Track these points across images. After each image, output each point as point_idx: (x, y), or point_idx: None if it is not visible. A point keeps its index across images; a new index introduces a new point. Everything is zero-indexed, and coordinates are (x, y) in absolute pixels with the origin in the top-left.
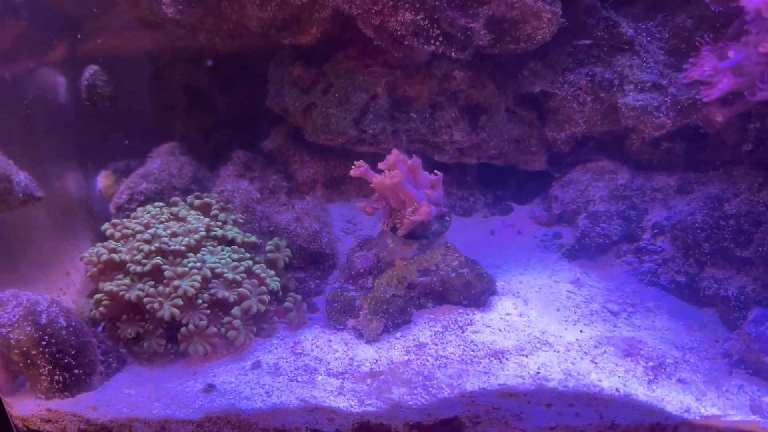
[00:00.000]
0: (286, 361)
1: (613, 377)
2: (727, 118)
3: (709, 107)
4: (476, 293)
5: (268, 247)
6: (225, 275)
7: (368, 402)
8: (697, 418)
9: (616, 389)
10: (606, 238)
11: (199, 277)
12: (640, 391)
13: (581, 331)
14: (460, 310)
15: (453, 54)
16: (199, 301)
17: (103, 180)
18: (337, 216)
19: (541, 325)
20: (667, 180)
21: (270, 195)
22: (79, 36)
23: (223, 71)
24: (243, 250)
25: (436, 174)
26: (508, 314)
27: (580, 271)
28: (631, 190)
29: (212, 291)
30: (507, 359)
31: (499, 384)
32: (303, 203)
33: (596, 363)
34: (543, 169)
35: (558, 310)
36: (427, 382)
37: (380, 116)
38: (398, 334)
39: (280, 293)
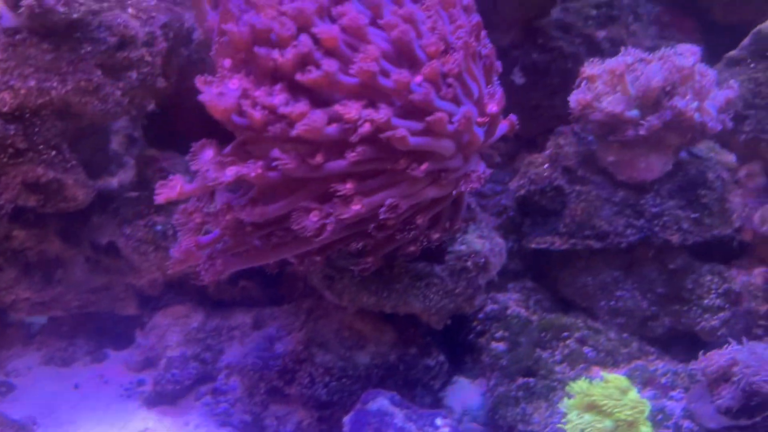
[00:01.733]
0: None
1: None
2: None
3: None
4: None
5: None
6: None
7: None
8: None
9: None
10: (178, 383)
11: None
12: None
13: None
14: None
15: None
16: None
17: None
18: None
19: None
20: (243, 318)
21: None
22: None
23: None
24: None
25: None
26: None
27: (155, 418)
28: (206, 333)
29: None
30: None
31: None
32: None
33: None
34: (137, 313)
35: None
36: None
37: None
38: None
39: None
